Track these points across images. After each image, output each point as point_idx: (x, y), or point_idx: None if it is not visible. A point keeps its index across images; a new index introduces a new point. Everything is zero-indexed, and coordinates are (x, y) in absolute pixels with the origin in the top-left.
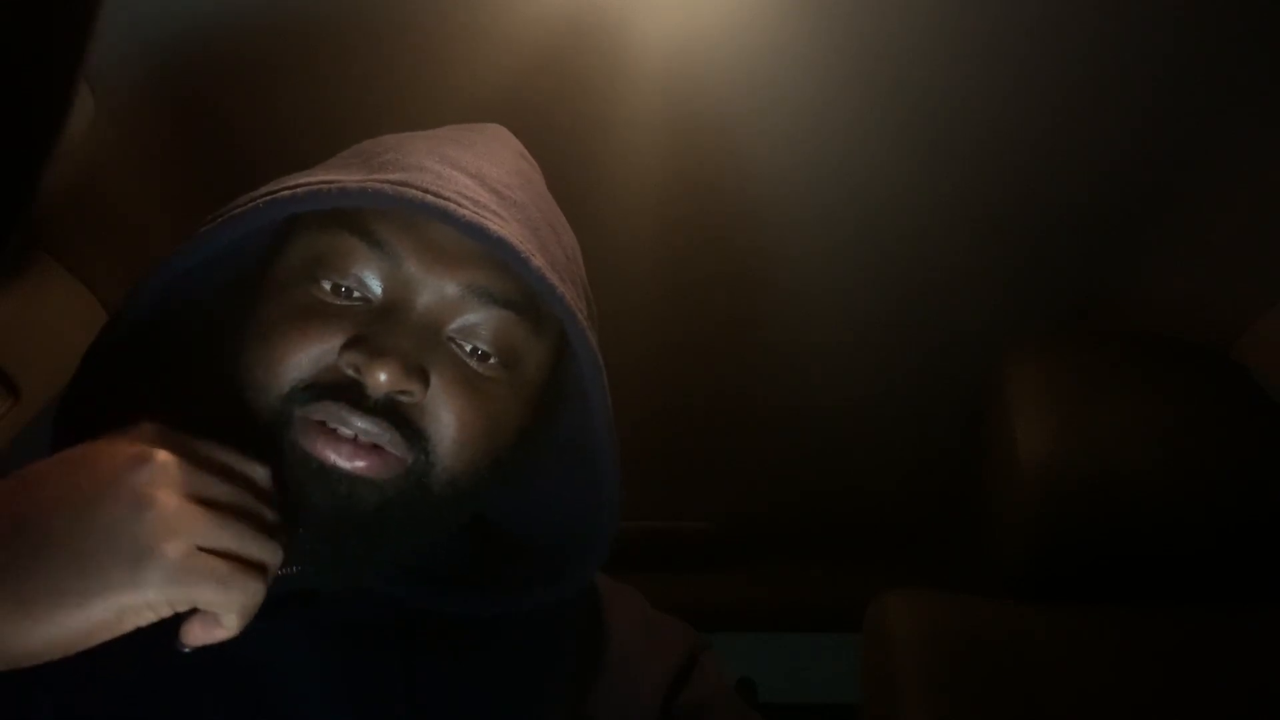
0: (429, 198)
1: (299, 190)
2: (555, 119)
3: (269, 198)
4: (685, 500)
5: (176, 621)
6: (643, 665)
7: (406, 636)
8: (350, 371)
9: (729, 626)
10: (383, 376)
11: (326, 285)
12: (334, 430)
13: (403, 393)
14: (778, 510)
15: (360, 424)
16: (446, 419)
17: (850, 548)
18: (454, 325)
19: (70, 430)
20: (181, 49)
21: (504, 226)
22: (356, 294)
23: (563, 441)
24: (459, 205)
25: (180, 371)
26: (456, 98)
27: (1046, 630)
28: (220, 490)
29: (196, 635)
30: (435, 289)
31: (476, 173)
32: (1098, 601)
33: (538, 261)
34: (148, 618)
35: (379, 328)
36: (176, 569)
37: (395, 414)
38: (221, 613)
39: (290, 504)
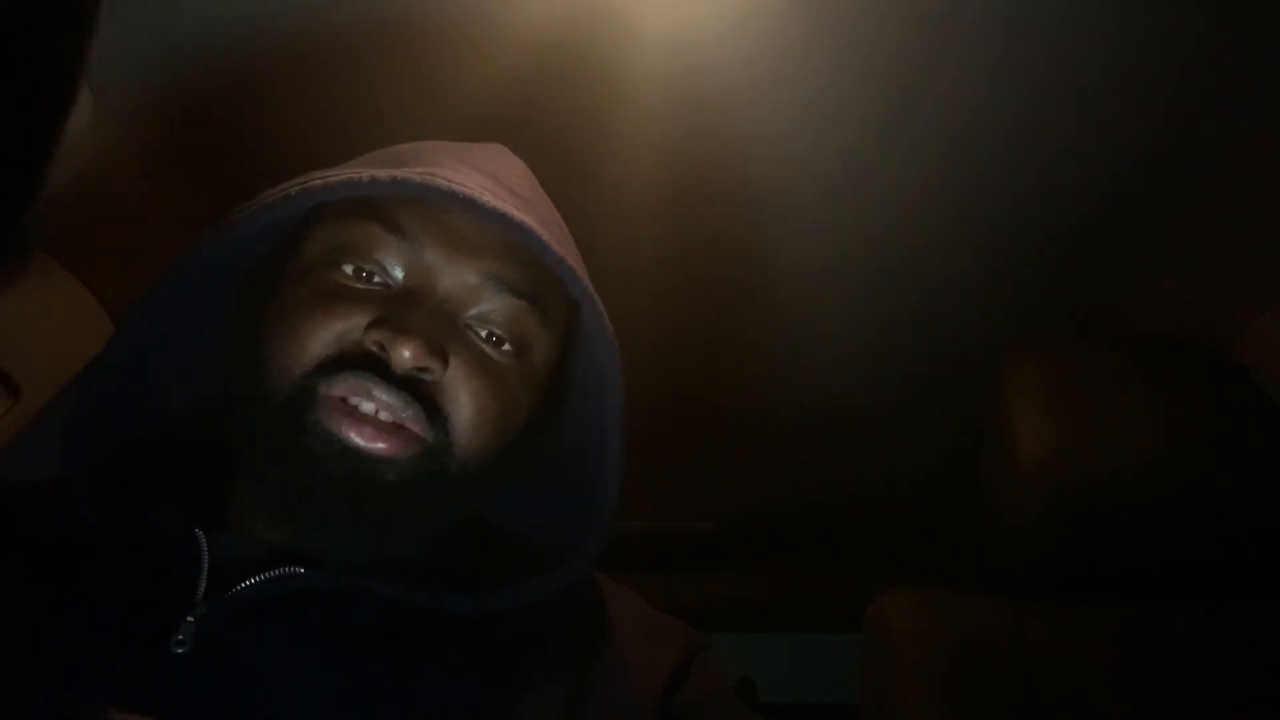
0: (455, 186)
1: (330, 180)
2: (556, 120)
3: (301, 187)
4: (686, 500)
5: (170, 622)
6: (640, 665)
7: (399, 637)
8: (374, 348)
9: (729, 626)
10: (407, 353)
11: (349, 270)
12: (356, 407)
13: (424, 369)
14: (778, 510)
15: (384, 396)
16: (464, 399)
17: (850, 548)
18: (472, 312)
19: (83, 427)
20: (181, 49)
21: (524, 217)
22: (377, 279)
23: (561, 441)
24: (482, 195)
25: (186, 371)
26: (458, 98)
27: (1046, 630)
28: None
29: None
30: (455, 276)
31: (492, 173)
32: (1098, 601)
33: (557, 247)
34: None
35: (402, 308)
36: None
37: (416, 391)
38: None
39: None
